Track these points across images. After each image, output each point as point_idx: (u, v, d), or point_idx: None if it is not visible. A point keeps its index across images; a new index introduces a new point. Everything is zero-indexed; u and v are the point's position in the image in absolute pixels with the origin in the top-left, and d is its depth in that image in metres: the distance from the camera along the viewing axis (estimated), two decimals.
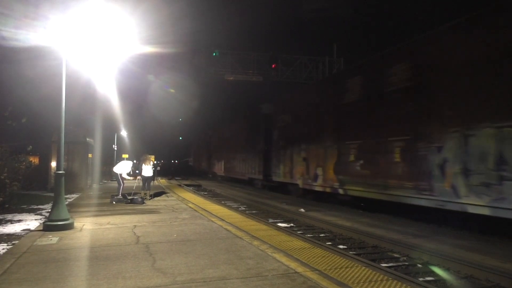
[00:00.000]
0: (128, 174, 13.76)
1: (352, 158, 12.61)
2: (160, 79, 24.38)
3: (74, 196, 15.97)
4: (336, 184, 13.44)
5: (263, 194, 20.07)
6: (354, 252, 7.27)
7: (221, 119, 39.73)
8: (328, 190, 14.00)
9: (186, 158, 71.91)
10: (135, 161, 29.82)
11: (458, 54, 8.92)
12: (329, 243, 8.15)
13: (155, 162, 29.69)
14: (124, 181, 13.69)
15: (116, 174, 13.51)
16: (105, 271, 4.85)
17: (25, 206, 12.80)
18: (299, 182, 16.45)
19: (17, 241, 7.29)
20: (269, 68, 23.77)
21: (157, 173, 28.51)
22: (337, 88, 13.97)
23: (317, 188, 14.85)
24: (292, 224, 10.84)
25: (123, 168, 13.56)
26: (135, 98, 35.90)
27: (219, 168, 33.90)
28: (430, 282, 5.74)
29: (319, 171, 14.64)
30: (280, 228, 8.75)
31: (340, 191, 13.25)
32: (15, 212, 11.41)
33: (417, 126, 9.95)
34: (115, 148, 30.57)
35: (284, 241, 6.85)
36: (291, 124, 17.88)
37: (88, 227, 8.09)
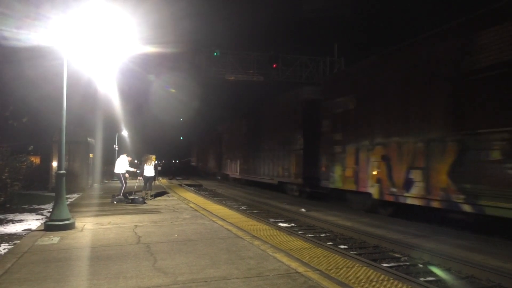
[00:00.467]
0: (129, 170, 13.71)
1: (497, 155, 7.90)
2: (160, 79, 24.39)
3: (75, 196, 15.99)
4: (457, 197, 8.68)
5: (264, 194, 20.07)
6: (355, 252, 7.27)
7: (233, 115, 35.88)
8: (435, 204, 9.32)
9: (187, 158, 70.10)
10: (136, 161, 29.85)
11: None
12: (330, 243, 8.15)
13: (156, 162, 29.60)
14: (127, 180, 13.66)
15: (118, 174, 13.50)
16: (106, 271, 4.86)
17: (26, 206, 12.82)
18: (373, 190, 11.50)
19: (18, 241, 7.30)
20: (270, 68, 23.77)
21: (158, 173, 28.50)
22: (456, 45, 9.02)
23: (412, 201, 9.99)
24: (293, 224, 10.84)
25: (122, 165, 13.50)
26: (136, 98, 35.95)
27: (233, 169, 28.70)
28: (431, 282, 5.74)
29: (416, 176, 9.85)
30: (281, 228, 8.75)
31: (466, 207, 8.48)
32: (16, 212, 11.43)
33: None
34: (116, 148, 30.59)
35: (285, 241, 6.85)
36: (355, 109, 12.70)
37: (89, 227, 8.10)
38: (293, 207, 13.85)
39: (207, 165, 42.40)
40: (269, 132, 21.21)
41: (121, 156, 13.95)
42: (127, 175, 13.72)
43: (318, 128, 15.21)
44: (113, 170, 14.34)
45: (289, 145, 18.20)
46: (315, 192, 16.28)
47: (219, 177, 34.62)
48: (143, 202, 12.68)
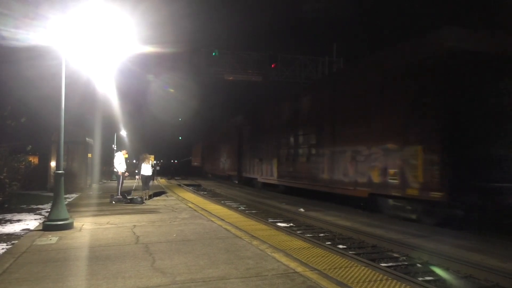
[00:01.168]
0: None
1: None
2: (159, 79, 24.39)
3: (74, 195, 15.97)
4: None
5: (263, 193, 20.07)
6: (353, 252, 7.27)
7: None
8: None
9: (188, 158, 65.40)
10: (134, 161, 29.82)
11: None
12: (329, 243, 8.15)
13: (154, 162, 29.53)
14: (124, 180, 13.62)
15: (117, 172, 13.45)
16: (105, 271, 4.85)
17: (24, 206, 12.80)
18: None
19: (16, 241, 7.28)
20: (269, 68, 23.79)
21: (156, 173, 28.44)
22: None
23: None
24: (291, 224, 10.84)
25: (118, 163, 13.42)
26: (134, 98, 35.83)
27: (265, 171, 20.84)
28: (429, 281, 5.74)
29: None
30: (279, 228, 8.75)
31: None
32: (14, 212, 11.40)
33: None
34: (115, 148, 30.57)
35: (284, 240, 6.85)
36: None
37: (87, 227, 8.09)
38: (292, 207, 13.85)
39: (218, 165, 34.25)
40: (342, 116, 13.42)
41: (116, 154, 13.93)
42: (126, 173, 13.68)
43: (483, 100, 9.14)
44: (112, 170, 14.34)
45: (399, 133, 10.56)
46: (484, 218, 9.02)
47: (237, 181, 27.56)
48: (142, 202, 12.67)
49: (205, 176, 41.39)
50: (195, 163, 54.09)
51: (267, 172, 20.60)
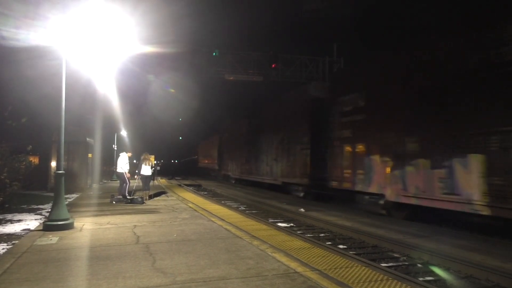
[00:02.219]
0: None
1: None
2: (160, 79, 24.34)
3: (74, 196, 15.97)
4: None
5: (263, 193, 20.06)
6: (354, 252, 7.27)
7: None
8: None
9: (192, 157, 59.98)
10: (135, 161, 29.82)
11: None
12: (329, 243, 8.16)
13: (155, 162, 29.50)
14: (130, 180, 13.58)
15: (121, 173, 13.43)
16: (105, 271, 4.85)
17: (25, 206, 12.81)
18: None
19: (17, 241, 7.28)
20: (269, 68, 23.76)
21: (157, 173, 28.42)
22: None
23: None
24: (292, 224, 10.84)
25: (122, 164, 13.41)
26: (135, 98, 35.74)
27: (424, 183, 9.48)
28: (430, 282, 5.75)
29: None
30: (280, 228, 8.75)
31: None
32: (15, 212, 11.42)
33: None
34: (115, 148, 30.55)
35: (284, 241, 6.85)
36: None
37: (88, 227, 8.09)
38: (292, 207, 13.84)
39: (257, 168, 23.38)
40: None
41: (120, 154, 13.91)
42: (128, 174, 13.67)
43: None
44: (113, 170, 14.32)
45: None
46: None
47: (302, 194, 17.46)
48: (142, 202, 12.67)
49: (225, 181, 31.67)
50: (204, 164, 43.47)
51: (449, 186, 8.92)
